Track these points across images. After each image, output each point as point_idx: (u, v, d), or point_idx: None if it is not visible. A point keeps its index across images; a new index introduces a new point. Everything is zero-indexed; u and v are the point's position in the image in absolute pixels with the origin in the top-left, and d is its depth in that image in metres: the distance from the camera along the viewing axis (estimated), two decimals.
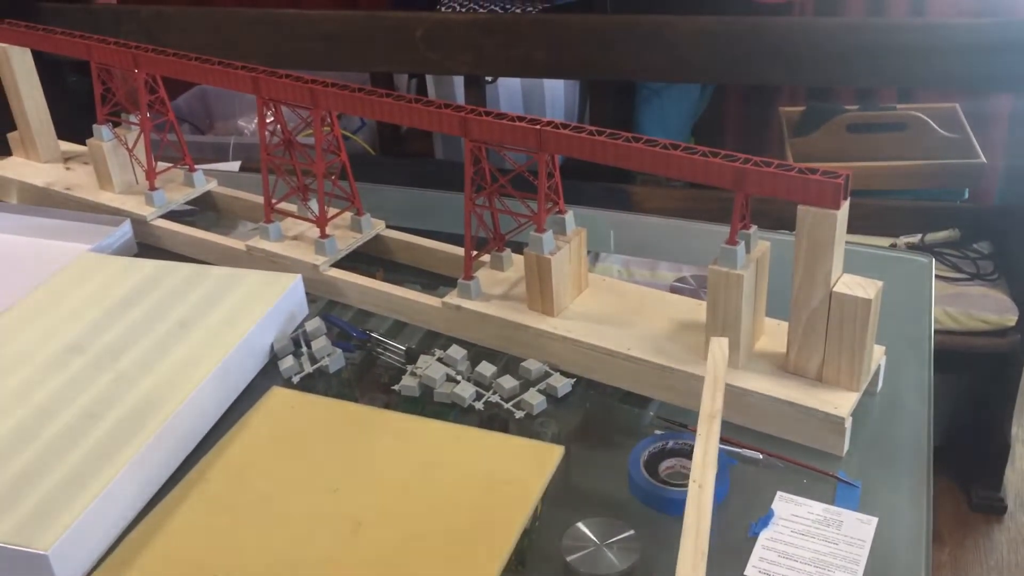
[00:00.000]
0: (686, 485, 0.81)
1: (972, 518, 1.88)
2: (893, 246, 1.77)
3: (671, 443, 0.85)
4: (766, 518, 0.80)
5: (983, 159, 1.95)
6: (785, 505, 0.81)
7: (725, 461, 0.83)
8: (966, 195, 1.99)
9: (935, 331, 1.01)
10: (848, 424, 0.84)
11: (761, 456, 0.85)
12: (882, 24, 1.82)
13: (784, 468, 0.85)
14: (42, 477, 0.81)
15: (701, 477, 0.70)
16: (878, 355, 0.90)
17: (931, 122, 2.01)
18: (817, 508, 0.80)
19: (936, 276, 1.11)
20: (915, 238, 1.81)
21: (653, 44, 1.80)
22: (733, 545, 0.78)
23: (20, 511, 0.78)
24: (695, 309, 0.98)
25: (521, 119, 0.93)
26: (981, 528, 1.86)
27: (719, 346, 0.83)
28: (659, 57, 1.81)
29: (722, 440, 0.86)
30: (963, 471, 1.92)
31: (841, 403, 0.85)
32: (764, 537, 0.78)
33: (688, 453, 0.85)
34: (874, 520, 0.79)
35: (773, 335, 0.93)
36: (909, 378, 0.94)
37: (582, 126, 0.91)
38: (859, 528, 0.78)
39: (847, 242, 0.84)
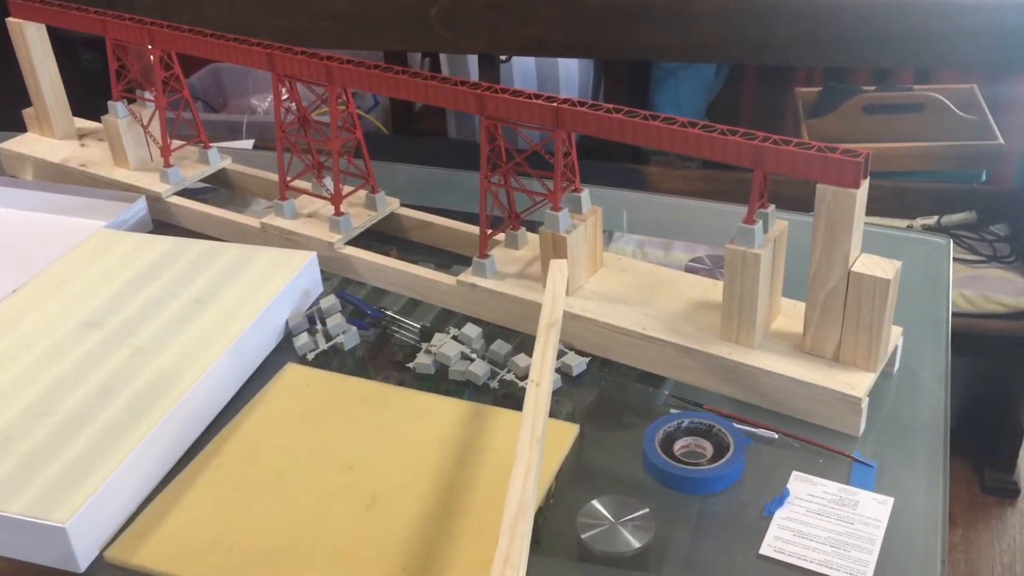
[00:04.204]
0: (702, 464, 0.82)
1: (984, 501, 1.88)
2: (910, 228, 1.76)
3: (686, 422, 0.85)
4: (781, 497, 0.79)
5: (1001, 141, 1.94)
6: (801, 485, 0.81)
7: (741, 440, 0.83)
8: (983, 177, 1.97)
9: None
10: (865, 404, 0.84)
11: (777, 436, 0.85)
12: (901, 4, 1.80)
13: (800, 448, 0.84)
14: (60, 451, 0.82)
15: (539, 377, 0.76)
16: (895, 336, 0.90)
17: (949, 103, 1.99)
18: (833, 488, 0.80)
19: (953, 258, 1.10)
20: (932, 220, 1.80)
21: (669, 24, 1.79)
22: (748, 524, 0.78)
23: (38, 484, 0.79)
24: (711, 289, 0.97)
25: (538, 96, 0.93)
26: (993, 511, 1.86)
27: (558, 267, 0.87)
28: (675, 37, 1.80)
29: (737, 420, 0.86)
30: (976, 454, 1.91)
31: (858, 383, 0.85)
32: (779, 516, 0.78)
33: (704, 433, 0.85)
34: (890, 500, 0.79)
35: (790, 315, 0.93)
36: (926, 359, 0.94)
37: (599, 104, 0.90)
38: (875, 508, 0.78)
39: (864, 223, 0.84)
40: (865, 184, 0.80)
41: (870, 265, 0.83)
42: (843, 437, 0.85)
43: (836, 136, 2.03)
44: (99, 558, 0.78)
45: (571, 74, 2.52)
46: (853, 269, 0.83)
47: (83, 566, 0.77)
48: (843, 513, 0.78)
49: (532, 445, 0.71)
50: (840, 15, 1.70)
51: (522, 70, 2.46)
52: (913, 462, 0.83)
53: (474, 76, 2.36)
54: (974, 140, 1.95)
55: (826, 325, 0.86)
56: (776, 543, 0.76)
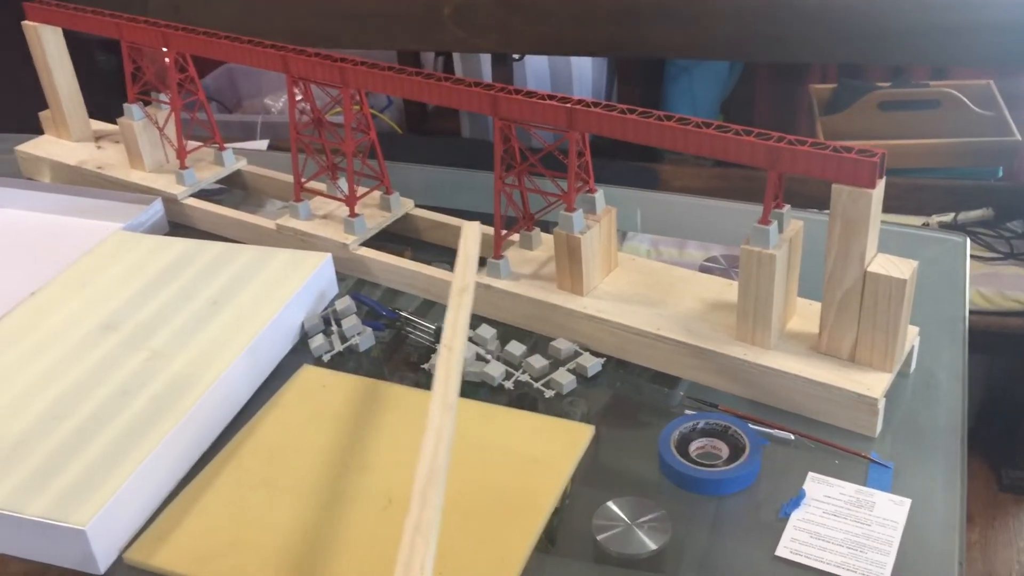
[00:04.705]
0: (718, 465, 0.82)
1: (1002, 499, 1.86)
2: (926, 225, 1.75)
3: (702, 423, 0.85)
4: (798, 499, 0.79)
5: (1018, 137, 1.92)
6: (817, 486, 0.80)
7: (757, 441, 0.83)
8: (1000, 173, 1.96)
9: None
10: (881, 405, 0.84)
11: (793, 437, 0.85)
12: (916, 0, 1.79)
13: (816, 449, 0.84)
14: (79, 454, 0.83)
15: (451, 341, 0.76)
16: (912, 335, 0.89)
17: (965, 99, 1.98)
18: (849, 489, 0.80)
19: (969, 256, 1.09)
20: (948, 217, 1.79)
21: (683, 21, 1.78)
22: (764, 525, 0.78)
23: (58, 487, 0.79)
24: (725, 289, 0.97)
25: (551, 97, 0.93)
26: (1011, 509, 1.85)
27: (471, 229, 0.87)
28: (689, 34, 1.79)
29: (753, 421, 0.86)
30: (993, 451, 1.90)
31: (874, 384, 0.84)
32: (796, 518, 0.78)
33: (719, 434, 0.85)
34: (907, 501, 0.78)
35: (805, 315, 0.92)
36: (943, 359, 0.93)
37: (613, 104, 0.90)
38: (892, 509, 0.78)
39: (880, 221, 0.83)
40: (881, 184, 0.80)
41: (886, 265, 0.83)
42: (860, 438, 0.85)
43: (851, 133, 2.02)
44: (119, 560, 0.79)
45: (584, 72, 2.51)
46: (869, 269, 0.83)
47: (103, 568, 0.78)
48: (860, 514, 0.78)
49: (444, 411, 0.71)
50: (855, 11, 1.69)
51: (535, 69, 2.46)
52: (930, 463, 0.83)
53: (487, 75, 2.36)
54: (991, 136, 1.94)
55: (842, 325, 0.86)
56: (792, 544, 0.76)
